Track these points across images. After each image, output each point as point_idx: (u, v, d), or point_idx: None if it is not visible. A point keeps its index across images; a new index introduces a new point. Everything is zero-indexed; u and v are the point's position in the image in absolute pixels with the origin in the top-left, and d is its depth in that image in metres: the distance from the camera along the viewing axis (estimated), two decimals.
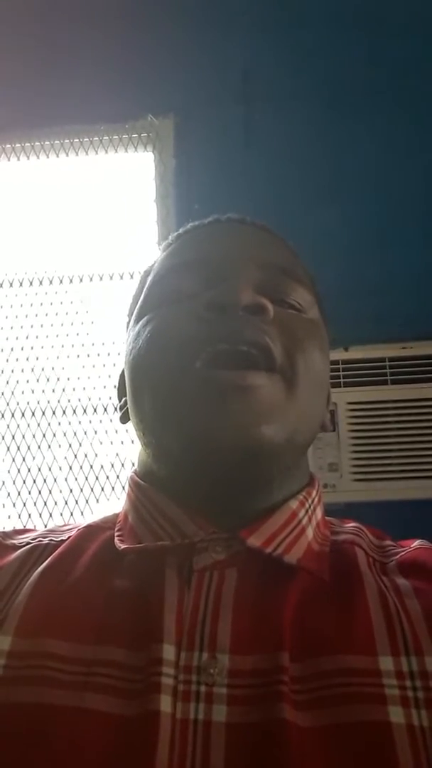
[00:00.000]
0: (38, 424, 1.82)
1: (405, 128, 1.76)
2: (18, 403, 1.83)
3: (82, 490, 1.77)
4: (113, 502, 1.74)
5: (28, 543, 0.55)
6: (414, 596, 0.47)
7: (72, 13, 1.91)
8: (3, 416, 1.83)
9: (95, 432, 1.80)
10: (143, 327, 0.54)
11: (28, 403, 1.83)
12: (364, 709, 0.40)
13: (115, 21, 1.90)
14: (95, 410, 1.81)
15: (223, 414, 0.46)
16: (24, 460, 1.80)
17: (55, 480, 1.79)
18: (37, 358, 1.85)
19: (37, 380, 1.83)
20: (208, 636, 0.43)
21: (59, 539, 0.54)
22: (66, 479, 1.78)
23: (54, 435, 1.81)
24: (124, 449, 1.78)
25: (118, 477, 1.77)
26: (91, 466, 1.78)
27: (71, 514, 1.75)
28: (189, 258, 0.57)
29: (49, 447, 1.80)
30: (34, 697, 0.41)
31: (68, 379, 1.83)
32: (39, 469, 1.79)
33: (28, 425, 1.82)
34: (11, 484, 1.79)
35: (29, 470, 1.79)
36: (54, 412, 1.82)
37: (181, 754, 0.38)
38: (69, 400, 1.82)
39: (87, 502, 1.76)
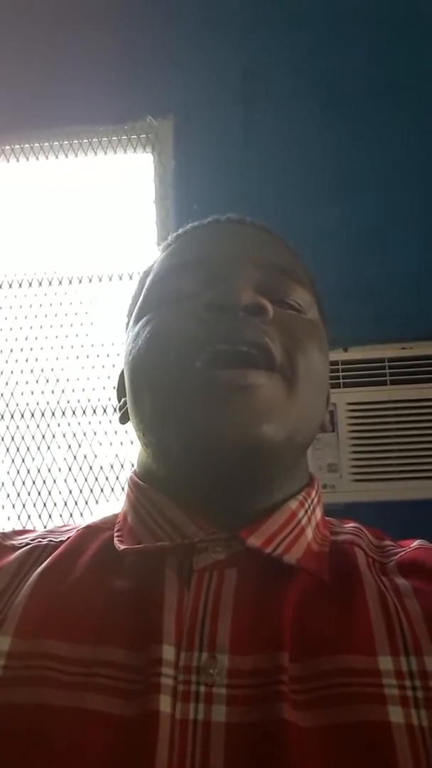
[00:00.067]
0: (38, 425, 1.81)
1: (405, 128, 1.76)
2: (17, 404, 1.83)
3: (81, 491, 1.77)
4: (113, 503, 1.74)
5: (27, 544, 0.55)
6: (413, 596, 0.47)
7: (71, 15, 1.91)
8: (2, 417, 1.83)
9: (95, 433, 1.80)
10: (143, 327, 0.54)
11: (27, 404, 1.82)
12: (364, 709, 0.40)
13: (115, 22, 1.90)
14: (95, 411, 1.81)
15: (223, 413, 0.46)
16: (24, 461, 1.80)
17: (54, 481, 1.79)
18: (37, 359, 1.85)
19: (37, 381, 1.83)
20: (207, 636, 0.43)
21: (59, 540, 0.54)
22: (66, 480, 1.78)
23: (53, 436, 1.81)
24: (123, 450, 1.78)
25: (117, 478, 1.77)
26: (91, 467, 1.78)
27: (71, 515, 1.75)
28: (188, 258, 0.57)
29: (49, 448, 1.80)
30: (34, 697, 0.41)
31: (68, 380, 1.83)
32: (39, 470, 1.79)
33: (28, 426, 1.82)
34: (11, 485, 1.79)
35: (29, 471, 1.79)
36: (53, 413, 1.82)
37: (181, 755, 0.38)
38: (68, 401, 1.82)
39: (87, 503, 1.76)
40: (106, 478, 1.77)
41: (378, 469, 1.55)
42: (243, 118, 1.82)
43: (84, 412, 1.81)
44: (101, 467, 1.78)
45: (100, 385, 1.82)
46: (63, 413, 1.81)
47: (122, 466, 1.78)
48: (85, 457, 1.79)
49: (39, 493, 1.77)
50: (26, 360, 1.85)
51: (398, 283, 1.67)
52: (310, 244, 0.71)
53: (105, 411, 1.80)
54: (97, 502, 1.76)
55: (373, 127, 1.78)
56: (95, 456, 1.79)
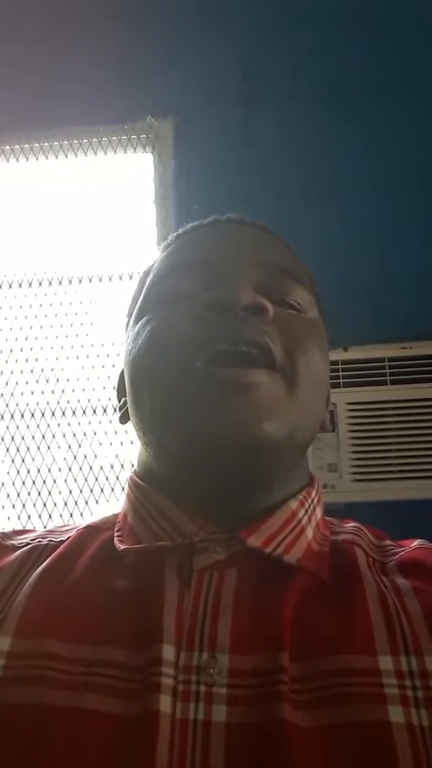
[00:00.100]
0: (38, 425, 1.81)
1: (405, 128, 1.77)
2: (17, 404, 1.83)
3: (81, 491, 1.77)
4: (113, 503, 1.74)
5: (27, 543, 0.55)
6: (414, 596, 0.47)
7: (71, 15, 1.91)
8: (2, 417, 1.83)
9: (95, 433, 1.80)
10: (143, 327, 0.54)
11: (27, 404, 1.82)
12: (364, 708, 0.40)
13: (114, 22, 1.90)
14: (95, 411, 1.81)
15: (223, 412, 0.46)
16: (24, 461, 1.80)
17: (54, 481, 1.79)
18: (37, 359, 1.85)
19: (37, 381, 1.83)
20: (207, 636, 0.43)
21: (59, 540, 0.54)
22: (66, 480, 1.78)
23: (54, 436, 1.81)
24: (123, 450, 1.78)
25: (117, 478, 1.77)
26: (91, 467, 1.78)
27: (71, 515, 1.75)
28: (188, 258, 0.57)
29: (49, 448, 1.80)
30: (34, 697, 0.41)
31: (68, 380, 1.83)
32: (39, 470, 1.79)
33: (28, 426, 1.82)
34: (11, 485, 1.79)
35: (29, 471, 1.79)
36: (53, 413, 1.82)
37: (181, 754, 0.38)
38: (68, 401, 1.82)
39: (87, 503, 1.76)
40: (106, 478, 1.77)
41: (378, 469, 1.55)
42: (243, 118, 1.82)
43: (84, 412, 1.81)
44: (101, 467, 1.78)
45: (100, 385, 1.82)
46: (63, 413, 1.81)
47: (122, 466, 1.78)
48: (85, 457, 1.79)
49: (39, 493, 1.77)
50: (26, 360, 1.85)
51: (398, 283, 1.67)
52: (310, 244, 0.71)
53: (105, 411, 1.80)
54: (97, 502, 1.76)
55: (373, 127, 1.78)
56: (95, 456, 1.79)
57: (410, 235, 1.71)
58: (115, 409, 1.25)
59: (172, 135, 1.86)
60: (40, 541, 0.55)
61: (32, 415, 1.82)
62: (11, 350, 1.86)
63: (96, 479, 1.77)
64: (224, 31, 1.86)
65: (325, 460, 1.56)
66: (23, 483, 1.78)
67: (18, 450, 1.80)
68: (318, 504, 0.55)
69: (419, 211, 1.72)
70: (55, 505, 1.77)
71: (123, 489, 1.70)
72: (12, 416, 1.82)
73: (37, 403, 1.82)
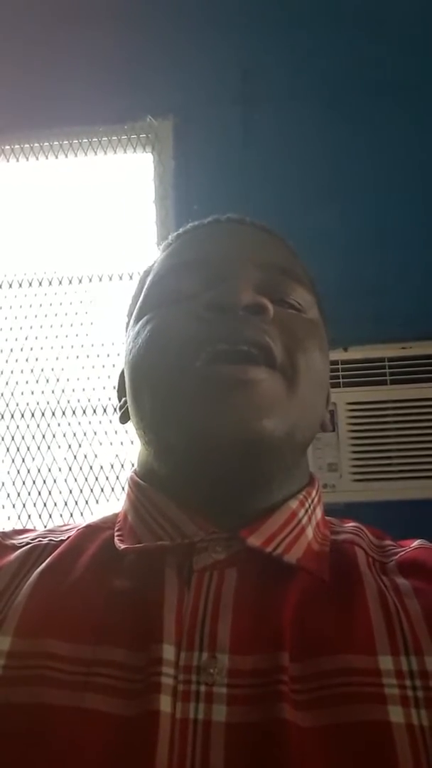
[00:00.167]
0: (38, 425, 1.82)
1: (404, 128, 1.77)
2: (18, 404, 1.83)
3: (81, 491, 1.77)
4: (113, 503, 1.74)
5: (27, 543, 0.55)
6: (414, 596, 0.47)
7: (71, 15, 1.91)
8: (2, 417, 1.83)
9: (95, 433, 1.80)
10: (143, 327, 0.54)
11: (27, 404, 1.83)
12: (364, 708, 0.40)
13: (114, 22, 1.90)
14: (95, 411, 1.81)
15: (223, 409, 0.46)
16: (24, 460, 1.80)
17: (54, 481, 1.79)
18: (37, 359, 1.85)
19: (37, 381, 1.83)
20: (207, 636, 0.43)
21: (59, 539, 0.54)
22: (66, 480, 1.78)
23: (54, 436, 1.81)
24: (123, 450, 1.78)
25: (117, 478, 1.77)
26: (91, 467, 1.78)
27: (71, 515, 1.75)
28: (189, 258, 0.57)
29: (49, 448, 1.80)
30: (34, 697, 0.41)
31: (68, 379, 1.83)
32: (39, 470, 1.79)
33: (28, 426, 1.82)
34: (11, 485, 1.79)
35: (29, 471, 1.79)
36: (54, 413, 1.82)
37: (181, 754, 0.38)
38: (69, 401, 1.82)
39: (87, 503, 1.76)
40: (106, 478, 1.77)
41: (378, 469, 1.55)
42: (242, 118, 1.82)
43: (84, 412, 1.81)
44: (101, 467, 1.78)
45: (100, 385, 1.82)
46: (63, 413, 1.81)
47: (122, 466, 1.78)
48: (85, 457, 1.79)
49: (39, 493, 1.77)
50: (26, 360, 1.85)
51: (398, 283, 1.67)
52: (310, 244, 0.71)
53: (105, 411, 1.80)
54: (97, 502, 1.76)
55: (373, 127, 1.78)
56: (95, 456, 1.79)
57: (410, 235, 1.71)
58: (115, 409, 1.25)
59: (171, 135, 1.86)
60: (40, 541, 0.55)
61: (32, 414, 1.82)
62: (11, 350, 1.86)
63: (96, 479, 1.77)
64: (224, 31, 1.86)
65: (325, 460, 1.56)
66: (23, 483, 1.78)
67: (18, 450, 1.80)
68: (318, 504, 0.55)
69: (419, 211, 1.72)
70: (55, 505, 1.77)
71: (123, 489, 1.70)
72: (12, 416, 1.82)
73: (37, 403, 1.82)
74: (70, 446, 1.80)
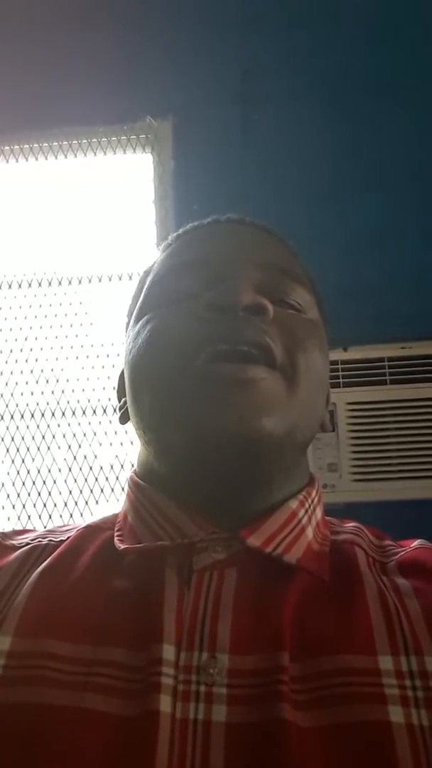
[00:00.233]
0: (38, 426, 1.82)
1: (404, 128, 1.77)
2: (18, 405, 1.83)
3: (81, 492, 1.77)
4: (113, 503, 1.74)
5: (27, 543, 0.55)
6: (414, 596, 0.47)
7: (71, 15, 1.92)
8: (2, 418, 1.83)
9: (95, 433, 1.80)
10: (143, 327, 0.54)
11: (27, 404, 1.83)
12: (364, 708, 0.40)
13: (114, 23, 1.90)
14: (95, 411, 1.81)
15: (223, 408, 0.46)
16: (24, 461, 1.80)
17: (54, 481, 1.79)
18: (37, 360, 1.85)
19: (37, 381, 1.83)
20: (207, 636, 0.43)
21: (59, 540, 0.54)
22: (66, 481, 1.78)
23: (53, 436, 1.81)
24: (123, 450, 1.78)
25: (117, 478, 1.77)
26: (91, 468, 1.78)
27: (71, 516, 1.75)
28: (188, 258, 0.57)
29: (49, 448, 1.80)
30: (34, 697, 0.41)
31: (68, 380, 1.83)
32: (39, 471, 1.79)
33: (28, 427, 1.82)
34: (11, 485, 1.79)
35: (29, 472, 1.79)
36: (53, 414, 1.82)
37: (181, 754, 0.38)
38: (68, 402, 1.82)
39: (87, 503, 1.76)
40: (106, 479, 1.77)
41: (378, 469, 1.55)
42: (242, 118, 1.82)
43: (84, 412, 1.81)
44: (101, 467, 1.78)
45: (100, 386, 1.82)
46: (63, 414, 1.81)
47: (122, 466, 1.78)
48: (85, 457, 1.79)
49: (39, 494, 1.77)
50: (26, 360, 1.85)
51: (398, 283, 1.67)
52: (310, 244, 0.71)
53: (105, 411, 1.81)
54: (97, 502, 1.76)
55: (373, 127, 1.78)
56: (95, 456, 1.79)
57: (410, 235, 1.71)
58: (114, 410, 1.25)
59: (171, 135, 1.86)
60: (40, 541, 0.55)
61: (32, 415, 1.82)
62: (11, 350, 1.86)
63: (96, 479, 1.77)
64: (223, 32, 1.87)
65: (325, 460, 1.56)
66: (23, 483, 1.78)
67: (18, 450, 1.80)
68: (318, 504, 0.55)
69: (419, 211, 1.72)
70: (55, 505, 1.77)
71: (123, 489, 1.70)
72: (12, 417, 1.82)
73: (37, 404, 1.82)
74: (69, 447, 1.80)
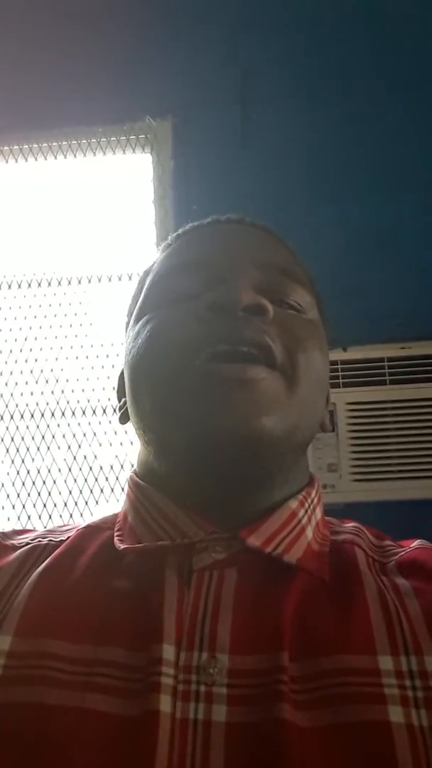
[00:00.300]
0: (38, 426, 1.82)
1: (404, 128, 1.77)
2: (17, 405, 1.83)
3: (81, 492, 1.77)
4: (113, 504, 1.74)
5: (27, 543, 0.55)
6: (413, 596, 0.47)
7: (71, 15, 1.92)
8: (2, 418, 1.83)
9: (95, 433, 1.80)
10: (143, 327, 0.54)
11: (27, 404, 1.83)
12: (364, 708, 0.40)
13: (113, 23, 1.90)
14: (94, 412, 1.81)
15: (223, 407, 0.46)
16: (23, 461, 1.80)
17: (54, 481, 1.79)
18: (36, 360, 1.85)
19: (37, 382, 1.83)
20: (207, 636, 0.43)
21: (59, 539, 0.54)
22: (66, 481, 1.78)
23: (53, 437, 1.81)
24: (123, 450, 1.78)
25: (117, 478, 1.77)
26: (91, 468, 1.78)
27: (71, 516, 1.75)
28: (188, 258, 0.57)
29: (49, 449, 1.80)
30: (34, 697, 0.41)
31: (68, 380, 1.83)
32: (39, 471, 1.79)
33: (28, 427, 1.82)
34: (11, 485, 1.79)
35: (29, 472, 1.79)
36: (53, 414, 1.82)
37: (181, 754, 0.38)
38: (68, 402, 1.82)
39: (87, 503, 1.76)
40: (106, 479, 1.77)
41: (378, 469, 1.55)
42: (242, 118, 1.82)
43: (84, 412, 1.81)
44: (101, 468, 1.78)
45: (100, 386, 1.82)
46: (63, 414, 1.81)
47: (122, 466, 1.78)
48: (85, 457, 1.79)
49: (39, 494, 1.78)
50: (26, 360, 1.85)
51: (398, 283, 1.67)
52: (309, 244, 0.71)
53: (105, 411, 1.81)
54: (97, 502, 1.76)
55: (373, 127, 1.78)
56: (95, 456, 1.79)
57: (409, 236, 1.71)
58: (114, 410, 1.25)
59: (170, 135, 1.86)
60: (40, 541, 0.55)
61: (32, 415, 1.82)
62: (11, 350, 1.86)
63: (96, 480, 1.77)
64: (223, 32, 1.87)
65: (325, 460, 1.56)
66: (23, 483, 1.78)
67: (18, 450, 1.80)
68: (318, 504, 0.55)
69: (419, 211, 1.72)
70: (55, 505, 1.77)
71: (123, 489, 1.70)
72: (12, 417, 1.82)
73: (37, 404, 1.82)
74: (69, 447, 1.80)
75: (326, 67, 1.82)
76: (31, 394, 1.83)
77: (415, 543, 0.54)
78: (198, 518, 0.48)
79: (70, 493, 1.77)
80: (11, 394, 1.83)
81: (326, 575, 0.48)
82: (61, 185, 1.97)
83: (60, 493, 1.77)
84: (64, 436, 1.80)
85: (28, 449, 1.80)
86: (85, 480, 1.77)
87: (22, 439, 1.81)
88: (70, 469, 1.78)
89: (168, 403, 0.49)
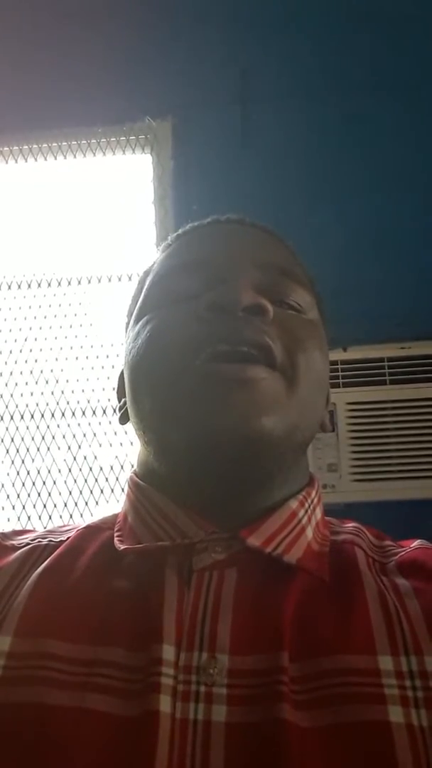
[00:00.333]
0: (38, 427, 1.82)
1: (403, 128, 1.77)
2: (17, 405, 1.83)
3: (81, 492, 1.77)
4: (113, 504, 1.74)
5: (27, 544, 0.55)
6: (413, 596, 0.47)
7: (71, 15, 1.92)
8: (2, 418, 1.83)
9: (95, 434, 1.80)
10: (143, 327, 0.54)
11: (27, 405, 1.83)
12: (364, 708, 0.40)
13: (113, 23, 1.90)
14: (94, 412, 1.81)
15: (223, 407, 0.46)
16: (24, 462, 1.80)
17: (54, 482, 1.79)
18: (36, 360, 1.85)
19: (37, 382, 1.84)
20: (207, 636, 0.43)
21: (58, 540, 0.54)
22: (66, 481, 1.78)
23: (53, 437, 1.81)
24: (123, 451, 1.79)
25: (117, 479, 1.77)
26: (91, 468, 1.78)
27: (71, 516, 1.75)
28: (188, 259, 0.57)
29: (49, 449, 1.80)
30: (34, 697, 0.41)
31: (68, 380, 1.83)
32: (39, 471, 1.79)
33: (28, 427, 1.82)
34: (11, 486, 1.79)
35: (29, 472, 1.79)
36: (53, 414, 1.82)
37: (181, 754, 0.38)
38: (68, 402, 1.82)
39: (87, 504, 1.76)
40: (106, 479, 1.77)
41: (378, 469, 1.55)
42: (241, 118, 1.82)
43: (84, 413, 1.81)
44: (101, 468, 1.78)
45: (100, 386, 1.82)
46: (63, 414, 1.81)
47: (122, 467, 1.78)
48: (85, 458, 1.79)
49: (39, 494, 1.78)
50: (26, 361, 1.85)
51: (397, 283, 1.67)
52: (309, 244, 0.71)
53: (105, 412, 1.81)
54: (97, 503, 1.76)
55: (373, 127, 1.78)
56: (95, 457, 1.79)
57: (409, 235, 1.71)
58: (114, 410, 1.25)
59: (170, 135, 1.86)
60: (40, 542, 0.55)
61: (32, 416, 1.82)
62: (11, 351, 1.86)
63: (96, 480, 1.77)
64: (222, 32, 1.87)
65: (325, 460, 1.56)
66: (23, 484, 1.78)
67: (18, 451, 1.80)
68: (318, 504, 0.55)
69: (418, 211, 1.72)
70: (55, 506, 1.77)
71: (123, 490, 1.70)
72: (12, 417, 1.82)
73: (37, 404, 1.82)
74: (69, 447, 1.80)
75: (326, 67, 1.82)
76: (31, 394, 1.83)
77: (415, 543, 0.54)
78: (198, 518, 0.48)
79: (70, 493, 1.77)
80: (11, 395, 1.83)
81: (326, 575, 0.48)
82: (61, 186, 1.97)
83: (60, 494, 1.77)
84: (64, 437, 1.80)
85: (28, 450, 1.80)
86: (85, 480, 1.77)
87: (22, 439, 1.81)
88: (70, 470, 1.78)
89: (168, 404, 0.49)
